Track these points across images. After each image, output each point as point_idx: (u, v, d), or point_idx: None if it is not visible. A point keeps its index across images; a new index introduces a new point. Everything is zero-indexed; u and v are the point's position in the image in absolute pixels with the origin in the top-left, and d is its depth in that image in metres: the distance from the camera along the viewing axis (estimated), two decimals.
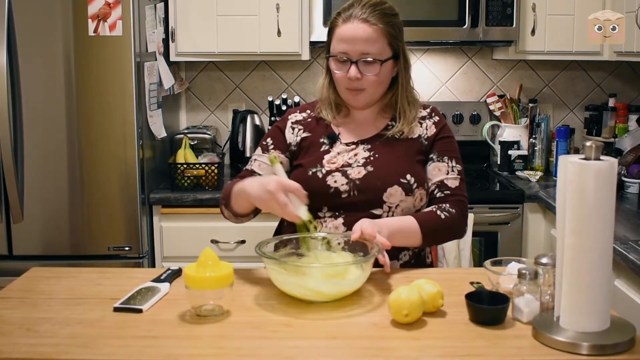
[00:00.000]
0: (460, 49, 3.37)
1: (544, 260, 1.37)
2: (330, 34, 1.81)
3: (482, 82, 3.42)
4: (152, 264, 2.82)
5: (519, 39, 2.99)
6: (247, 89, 3.42)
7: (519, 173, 3.16)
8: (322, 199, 1.78)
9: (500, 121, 3.37)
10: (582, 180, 1.22)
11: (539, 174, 3.11)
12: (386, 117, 1.88)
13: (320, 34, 2.93)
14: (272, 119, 3.19)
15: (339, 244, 1.65)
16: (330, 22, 1.81)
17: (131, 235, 2.69)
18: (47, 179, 2.65)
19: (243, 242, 2.78)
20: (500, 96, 3.36)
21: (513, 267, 1.51)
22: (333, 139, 1.85)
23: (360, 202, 1.76)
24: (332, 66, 1.80)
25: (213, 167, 2.88)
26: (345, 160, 1.81)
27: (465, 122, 3.34)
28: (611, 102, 3.24)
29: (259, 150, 1.90)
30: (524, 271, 1.40)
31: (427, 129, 1.86)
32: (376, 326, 1.36)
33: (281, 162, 1.86)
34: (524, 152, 3.24)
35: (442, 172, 1.83)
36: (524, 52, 3.04)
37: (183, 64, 3.34)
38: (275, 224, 1.96)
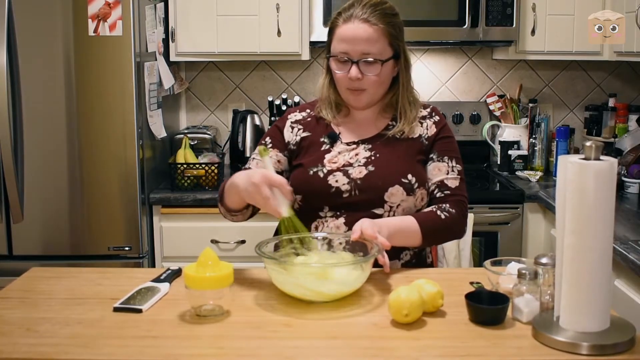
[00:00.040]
0: (460, 49, 3.37)
1: (544, 260, 1.37)
2: (330, 34, 1.81)
3: (482, 82, 3.42)
4: (152, 264, 2.82)
5: (519, 39, 2.99)
6: (247, 89, 3.42)
7: (519, 173, 3.16)
8: (323, 199, 1.78)
9: (500, 121, 3.37)
10: (582, 180, 1.22)
11: (539, 174, 3.11)
12: (387, 117, 1.88)
13: (320, 34, 2.93)
14: (272, 119, 3.19)
15: (340, 244, 1.65)
16: (331, 22, 1.81)
17: (131, 235, 2.69)
18: (47, 179, 2.66)
19: (243, 242, 2.78)
20: (500, 96, 3.36)
21: (513, 267, 1.51)
22: (333, 138, 1.85)
23: (361, 201, 1.76)
24: (332, 66, 1.80)
25: (213, 167, 2.88)
26: (346, 160, 1.81)
27: (465, 122, 3.34)
28: (611, 102, 3.24)
29: (257, 149, 1.90)
30: (523, 271, 1.39)
31: (427, 129, 1.86)
32: (376, 326, 1.36)
33: (279, 161, 1.87)
34: (524, 152, 3.24)
35: (442, 172, 1.83)
36: (524, 52, 3.04)
37: (183, 64, 3.34)
38: (276, 224, 1.96)
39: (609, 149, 3.00)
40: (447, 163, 1.84)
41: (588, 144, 1.24)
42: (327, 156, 1.82)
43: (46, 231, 2.69)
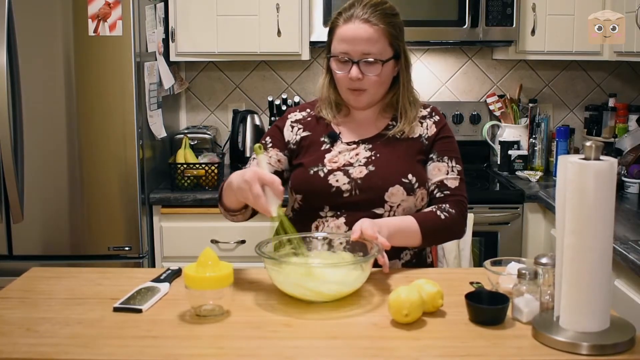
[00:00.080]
0: (460, 49, 3.37)
1: (544, 260, 1.37)
2: (331, 34, 1.81)
3: (482, 82, 3.42)
4: (152, 264, 2.82)
5: (519, 39, 2.99)
6: (247, 89, 3.42)
7: (519, 173, 3.16)
8: (323, 198, 1.78)
9: (500, 121, 3.37)
10: (582, 180, 1.22)
11: (539, 174, 3.11)
12: (387, 116, 1.88)
13: (320, 34, 2.93)
14: (272, 119, 3.19)
15: (340, 244, 1.65)
16: (331, 22, 1.81)
17: (131, 235, 2.69)
18: (47, 179, 2.66)
19: (243, 242, 2.78)
20: (500, 96, 3.36)
21: (513, 267, 1.51)
22: (334, 138, 1.85)
23: (361, 201, 1.76)
24: (333, 66, 1.80)
25: (213, 167, 2.88)
26: (347, 160, 1.81)
27: (465, 122, 3.34)
28: (611, 102, 3.24)
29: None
30: (523, 271, 1.40)
31: (427, 129, 1.86)
32: (376, 326, 1.36)
33: (279, 160, 1.86)
34: (524, 152, 3.24)
35: (441, 172, 1.83)
36: (524, 52, 3.04)
37: (183, 64, 3.34)
38: (276, 223, 1.96)
39: (609, 149, 3.00)
40: (447, 163, 1.84)
41: (588, 144, 1.24)
42: (328, 156, 1.82)
43: (46, 231, 2.69)
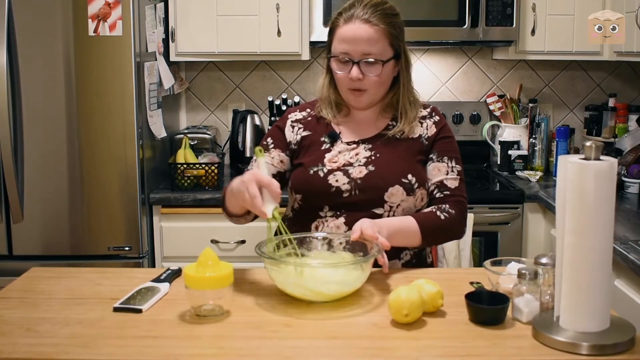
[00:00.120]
0: (460, 49, 3.37)
1: (544, 260, 1.37)
2: (331, 34, 1.81)
3: (482, 82, 3.42)
4: (152, 264, 2.82)
5: (519, 39, 2.99)
6: (247, 89, 3.42)
7: (519, 173, 3.16)
8: (323, 198, 1.78)
9: (500, 121, 3.37)
10: (582, 180, 1.22)
11: (539, 174, 3.11)
12: (387, 116, 1.88)
13: (320, 34, 2.93)
14: (272, 119, 3.19)
15: (340, 244, 1.65)
16: (331, 22, 1.81)
17: (131, 235, 2.69)
18: (47, 179, 2.66)
19: (243, 242, 2.78)
20: (500, 96, 3.36)
21: (513, 267, 1.51)
22: (334, 137, 1.85)
23: (361, 201, 1.76)
24: (333, 66, 1.80)
25: (213, 167, 2.88)
26: (347, 160, 1.81)
27: (465, 122, 3.34)
28: (611, 102, 3.24)
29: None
30: (523, 271, 1.40)
31: (427, 129, 1.86)
32: (376, 326, 1.36)
33: (281, 161, 1.86)
34: (524, 152, 3.24)
35: (441, 172, 1.83)
36: (524, 52, 3.04)
37: (183, 64, 3.34)
38: (276, 224, 1.96)
39: (609, 149, 3.00)
40: (447, 163, 1.84)
41: (588, 144, 1.24)
42: (328, 155, 1.82)
43: (46, 231, 2.69)
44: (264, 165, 1.61)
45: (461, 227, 1.82)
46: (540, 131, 3.23)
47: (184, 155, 2.92)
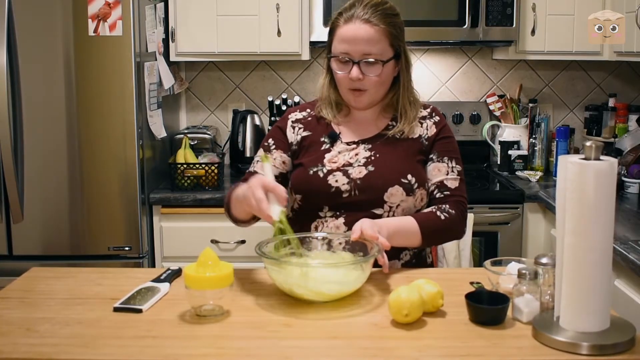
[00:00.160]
0: (460, 49, 3.37)
1: (544, 260, 1.37)
2: (331, 34, 1.81)
3: (482, 82, 3.42)
4: (152, 264, 2.82)
5: (519, 39, 2.99)
6: (247, 89, 3.42)
7: (519, 173, 3.16)
8: (323, 199, 1.78)
9: (500, 121, 3.37)
10: (582, 180, 1.22)
11: (539, 174, 3.11)
12: (387, 116, 1.88)
13: (320, 34, 2.93)
14: (272, 119, 3.19)
15: (340, 244, 1.65)
16: (332, 22, 1.81)
17: (131, 235, 2.69)
18: (47, 179, 2.65)
19: (243, 242, 2.78)
20: (500, 96, 3.36)
21: (513, 267, 1.51)
22: (334, 138, 1.85)
23: (361, 201, 1.76)
24: (333, 66, 1.80)
25: (213, 167, 2.88)
26: (346, 160, 1.81)
27: (465, 122, 3.34)
28: (611, 102, 3.24)
29: (260, 151, 1.90)
30: (524, 271, 1.40)
31: (427, 129, 1.86)
32: (376, 326, 1.36)
33: (284, 162, 1.86)
34: (524, 152, 3.24)
35: (441, 172, 1.83)
36: (524, 52, 3.04)
37: (183, 64, 3.34)
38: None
39: (609, 149, 3.00)
40: (447, 163, 1.84)
41: (588, 144, 1.24)
42: (327, 156, 1.82)
43: (46, 231, 2.69)
44: (270, 170, 1.64)
45: (461, 227, 1.82)
46: (540, 131, 3.23)
47: (184, 155, 2.92)
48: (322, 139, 1.86)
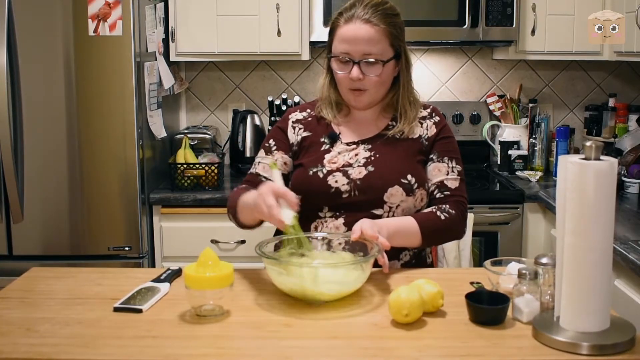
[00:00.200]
0: (460, 49, 3.37)
1: (544, 260, 1.37)
2: (331, 34, 1.81)
3: (482, 82, 3.42)
4: (152, 264, 2.82)
5: (519, 39, 2.99)
6: (247, 89, 3.42)
7: (519, 173, 3.16)
8: (322, 199, 1.78)
9: (500, 121, 3.37)
10: (582, 180, 1.22)
11: (539, 174, 3.11)
12: (387, 116, 1.88)
13: (320, 34, 2.93)
14: (272, 119, 3.19)
15: (339, 244, 1.65)
16: (332, 22, 1.81)
17: (131, 235, 2.69)
18: (47, 179, 2.65)
19: (243, 242, 2.78)
20: (500, 96, 3.36)
21: (513, 267, 1.51)
22: (334, 138, 1.85)
23: (361, 202, 1.76)
24: (334, 66, 1.80)
25: (213, 167, 2.88)
26: (346, 160, 1.81)
27: (465, 122, 3.34)
28: (611, 102, 3.24)
29: (261, 152, 1.90)
30: (524, 271, 1.40)
31: (427, 129, 1.86)
32: (376, 326, 1.36)
33: (285, 163, 1.86)
34: (524, 152, 3.24)
35: (442, 172, 1.83)
36: (524, 52, 3.04)
37: (183, 64, 3.34)
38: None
39: (609, 149, 3.00)
40: (447, 164, 1.83)
41: (588, 144, 1.24)
42: (327, 156, 1.82)
43: (46, 231, 2.69)
44: (279, 176, 1.66)
45: (461, 227, 1.82)
46: (540, 131, 3.23)
47: (184, 155, 2.92)
48: (322, 140, 1.86)
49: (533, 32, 2.99)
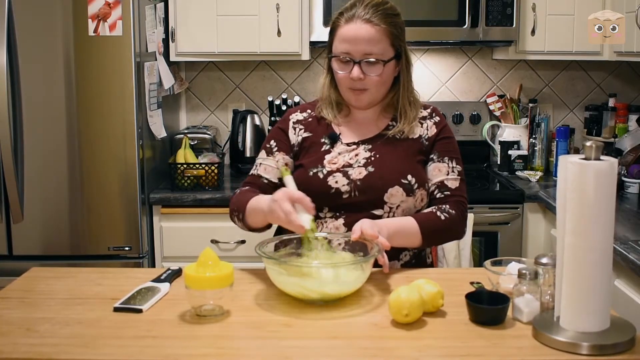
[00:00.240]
0: (460, 49, 3.37)
1: (544, 260, 1.37)
2: (332, 33, 1.81)
3: (482, 82, 3.42)
4: (152, 264, 2.82)
5: (519, 39, 2.99)
6: (247, 89, 3.42)
7: (519, 173, 3.16)
8: (323, 200, 1.77)
9: (500, 121, 3.37)
10: (582, 180, 1.22)
11: (539, 174, 3.11)
12: (387, 117, 1.88)
13: (320, 34, 2.93)
14: (272, 119, 3.19)
15: (339, 244, 1.65)
16: (332, 22, 1.81)
17: (131, 235, 2.69)
18: (47, 179, 2.65)
19: (243, 242, 2.78)
20: (500, 96, 3.36)
21: (513, 267, 1.51)
22: (334, 139, 1.85)
23: (361, 202, 1.76)
24: (334, 66, 1.80)
25: (213, 167, 2.88)
26: (346, 161, 1.81)
27: (465, 122, 3.34)
28: (611, 102, 3.24)
29: (262, 153, 1.90)
30: (524, 271, 1.40)
31: (427, 129, 1.86)
32: (376, 326, 1.36)
33: (286, 164, 1.86)
34: (524, 152, 3.24)
35: (442, 172, 1.83)
36: (524, 52, 3.04)
37: (183, 64, 3.34)
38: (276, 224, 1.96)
39: (609, 149, 3.00)
40: (448, 164, 1.83)
41: (588, 144, 1.24)
42: (327, 157, 1.82)
43: (46, 231, 2.69)
44: (292, 182, 1.67)
45: (461, 228, 1.82)
46: (540, 131, 3.23)
47: (184, 155, 2.92)
48: (323, 140, 1.86)
49: (533, 32, 2.99)
